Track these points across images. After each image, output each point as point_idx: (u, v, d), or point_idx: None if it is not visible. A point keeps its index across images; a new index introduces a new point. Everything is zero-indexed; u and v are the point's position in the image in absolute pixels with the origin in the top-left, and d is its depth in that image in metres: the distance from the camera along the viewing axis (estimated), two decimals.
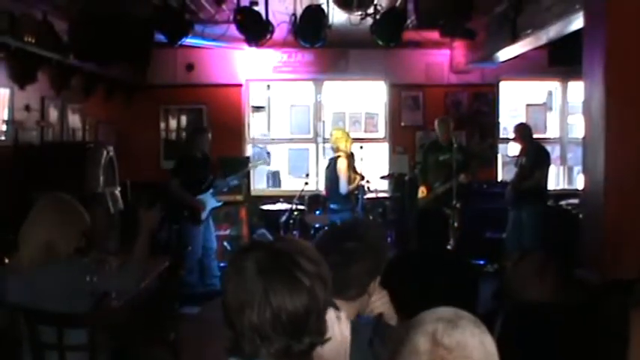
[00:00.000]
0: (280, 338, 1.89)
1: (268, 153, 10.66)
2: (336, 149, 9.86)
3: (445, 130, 10.13)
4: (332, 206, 9.82)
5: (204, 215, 9.33)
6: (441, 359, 1.69)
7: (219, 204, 9.71)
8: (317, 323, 1.95)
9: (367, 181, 10.18)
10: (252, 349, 1.91)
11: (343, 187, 9.66)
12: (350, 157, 9.81)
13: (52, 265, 3.92)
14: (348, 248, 2.81)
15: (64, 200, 4.13)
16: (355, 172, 9.89)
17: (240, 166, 10.40)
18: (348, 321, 2.33)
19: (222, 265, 9.80)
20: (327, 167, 10.13)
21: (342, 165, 9.66)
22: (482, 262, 10.44)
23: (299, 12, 8.12)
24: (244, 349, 1.92)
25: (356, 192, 9.94)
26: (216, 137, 10.62)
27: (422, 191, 10.18)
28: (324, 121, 12.07)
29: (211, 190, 9.48)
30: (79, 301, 3.95)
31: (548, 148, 10.43)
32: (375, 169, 11.55)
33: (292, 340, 1.91)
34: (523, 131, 10.12)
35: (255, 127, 12.46)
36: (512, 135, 10.48)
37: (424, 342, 1.70)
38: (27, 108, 8.14)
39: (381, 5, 8.19)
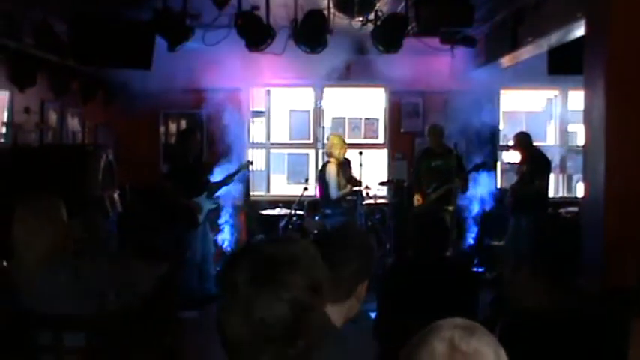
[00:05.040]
0: (273, 345, 1.90)
1: (250, 162, 10.65)
2: (329, 155, 9.90)
3: (436, 137, 10.17)
4: (326, 211, 9.86)
5: (201, 218, 9.30)
6: None
7: (215, 206, 9.69)
8: (309, 326, 1.94)
9: (366, 187, 10.20)
10: (248, 358, 1.92)
11: (333, 193, 9.70)
12: (342, 163, 9.84)
13: (63, 263, 3.97)
14: (335, 250, 2.84)
15: (51, 200, 4.16)
16: (350, 178, 9.92)
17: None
18: None
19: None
20: (320, 172, 10.18)
21: (331, 171, 9.72)
22: (480, 270, 10.45)
23: (300, 17, 8.11)
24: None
25: (353, 197, 9.97)
26: (215, 142, 10.65)
27: (417, 199, 10.19)
28: (323, 127, 12.06)
29: (206, 193, 9.45)
30: (84, 300, 3.98)
31: (548, 155, 10.42)
32: (374, 175, 11.54)
33: (286, 346, 1.91)
34: (523, 140, 10.13)
35: (255, 132, 12.45)
36: (511, 143, 10.50)
37: (442, 346, 1.71)
38: (26, 110, 8.14)
39: (382, 11, 8.17)
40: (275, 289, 1.90)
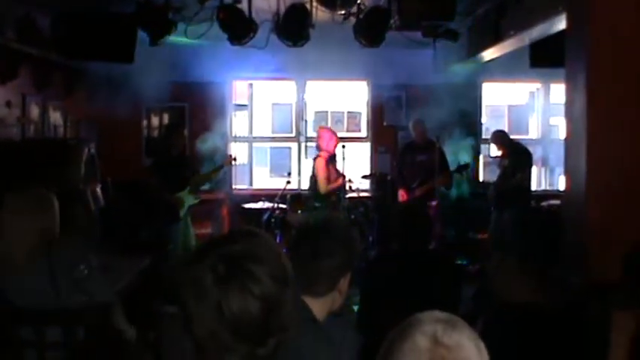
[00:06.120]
0: (243, 345, 1.89)
1: (234, 157, 10.61)
2: (317, 148, 9.88)
3: (420, 131, 10.18)
4: (315, 204, 9.84)
5: (182, 212, 9.26)
6: (441, 358, 1.70)
7: (197, 200, 9.65)
8: (278, 321, 1.93)
9: (349, 180, 10.19)
10: (216, 359, 1.91)
11: (321, 186, 9.67)
12: (332, 156, 9.80)
13: (48, 259, 3.97)
14: (317, 243, 2.84)
15: (41, 193, 4.14)
16: (337, 171, 9.90)
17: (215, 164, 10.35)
18: None
19: None
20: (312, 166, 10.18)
21: (319, 164, 9.69)
22: (464, 263, 10.47)
23: (282, 11, 8.09)
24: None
25: (336, 191, 9.96)
26: (198, 135, 10.62)
27: (401, 194, 10.18)
28: (306, 120, 12.05)
29: (188, 188, 9.42)
30: (67, 295, 3.97)
31: (530, 149, 10.47)
32: (357, 169, 11.54)
33: (256, 345, 1.90)
34: (500, 138, 10.23)
35: (238, 125, 12.43)
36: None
37: (425, 341, 1.71)
38: (8, 104, 8.09)
39: (364, 5, 8.17)
40: (244, 283, 1.88)
